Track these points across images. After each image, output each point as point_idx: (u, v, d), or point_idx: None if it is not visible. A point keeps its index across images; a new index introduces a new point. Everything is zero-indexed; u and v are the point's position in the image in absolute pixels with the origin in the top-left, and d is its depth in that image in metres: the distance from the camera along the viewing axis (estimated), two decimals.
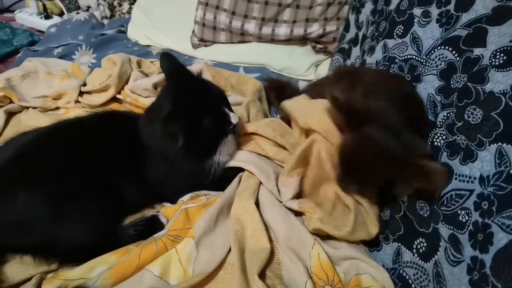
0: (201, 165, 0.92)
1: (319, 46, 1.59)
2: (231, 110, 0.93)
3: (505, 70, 0.69)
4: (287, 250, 0.83)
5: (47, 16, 1.97)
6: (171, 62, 0.93)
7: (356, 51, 1.32)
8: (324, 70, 1.53)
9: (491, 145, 0.66)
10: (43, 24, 1.93)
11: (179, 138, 0.84)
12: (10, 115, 1.23)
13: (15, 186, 0.78)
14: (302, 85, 1.50)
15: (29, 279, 0.77)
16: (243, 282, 0.72)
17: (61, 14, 2.07)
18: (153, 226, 0.89)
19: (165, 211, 0.93)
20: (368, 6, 1.29)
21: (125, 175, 0.90)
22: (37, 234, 0.78)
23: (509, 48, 0.70)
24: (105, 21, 1.96)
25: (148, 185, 0.93)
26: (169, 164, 0.91)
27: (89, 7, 2.04)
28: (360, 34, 1.31)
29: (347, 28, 1.44)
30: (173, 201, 0.97)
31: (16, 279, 0.76)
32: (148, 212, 0.93)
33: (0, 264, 0.78)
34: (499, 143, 0.64)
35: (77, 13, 2.05)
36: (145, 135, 0.91)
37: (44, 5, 1.95)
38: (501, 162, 0.63)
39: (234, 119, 0.91)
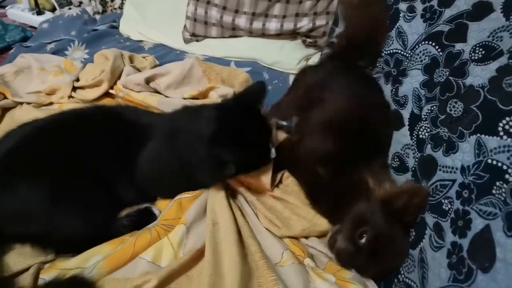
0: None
1: (309, 40, 1.60)
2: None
3: (483, 64, 0.72)
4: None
5: (39, 12, 1.96)
6: (258, 93, 0.93)
7: None
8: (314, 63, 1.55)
9: (471, 136, 0.69)
10: (35, 19, 1.92)
11: (227, 167, 0.80)
12: (4, 110, 1.25)
13: (16, 177, 0.81)
14: (292, 79, 1.52)
15: (27, 269, 0.78)
16: (212, 257, 0.77)
17: (53, 9, 2.06)
18: (147, 217, 0.91)
19: (159, 202, 0.96)
20: None
21: (121, 171, 0.92)
22: (35, 224, 0.81)
23: (487, 43, 0.73)
24: (97, 17, 1.95)
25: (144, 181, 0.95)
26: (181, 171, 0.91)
27: (81, 2, 2.04)
28: None
29: (336, 23, 1.46)
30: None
31: (15, 269, 0.78)
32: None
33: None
34: (478, 135, 0.68)
35: (69, 8, 2.05)
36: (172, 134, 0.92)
37: (36, 1, 1.94)
38: (480, 152, 0.67)
39: (273, 155, 0.90)
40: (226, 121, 0.85)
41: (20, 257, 0.80)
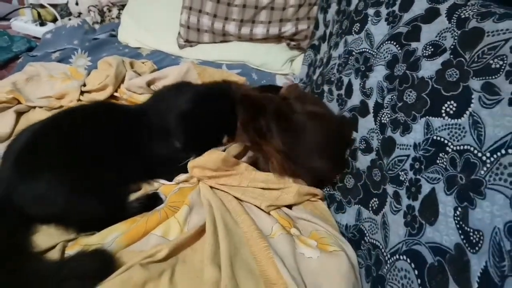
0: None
1: (293, 43, 1.74)
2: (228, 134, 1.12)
3: (432, 59, 0.85)
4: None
5: (42, 23, 2.08)
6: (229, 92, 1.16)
7: (324, 47, 1.47)
8: (298, 64, 1.69)
9: (421, 118, 0.83)
10: (38, 30, 2.04)
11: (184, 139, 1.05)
12: (19, 114, 1.35)
13: (37, 166, 0.92)
14: (279, 79, 1.67)
15: (54, 247, 0.89)
16: (211, 231, 0.90)
17: (54, 20, 2.18)
18: (155, 200, 1.04)
19: (164, 189, 1.09)
20: (334, 7, 1.44)
21: (127, 155, 1.05)
22: (57, 206, 0.91)
23: (435, 41, 0.86)
24: (96, 26, 2.07)
25: (146, 164, 1.09)
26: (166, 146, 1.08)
27: (80, 13, 2.15)
28: (328, 32, 1.47)
29: (316, 27, 1.59)
30: (169, 179, 1.13)
31: (44, 246, 0.88)
32: (149, 190, 1.09)
33: (30, 234, 0.90)
34: (427, 117, 0.81)
35: (69, 19, 2.16)
36: (152, 109, 1.12)
37: (38, 13, 2.06)
38: (428, 131, 0.80)
39: (224, 140, 1.11)
40: (191, 112, 1.07)
41: (47, 237, 0.91)
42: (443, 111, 0.78)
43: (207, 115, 1.07)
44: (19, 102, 1.40)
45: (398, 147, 0.88)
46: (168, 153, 1.09)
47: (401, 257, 0.78)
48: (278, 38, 1.75)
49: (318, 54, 1.54)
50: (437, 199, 0.73)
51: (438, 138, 0.78)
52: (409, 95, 0.89)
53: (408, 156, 0.85)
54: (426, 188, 0.77)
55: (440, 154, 0.76)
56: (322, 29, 1.55)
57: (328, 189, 1.13)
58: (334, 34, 1.38)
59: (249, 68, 1.72)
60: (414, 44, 0.93)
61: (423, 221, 0.75)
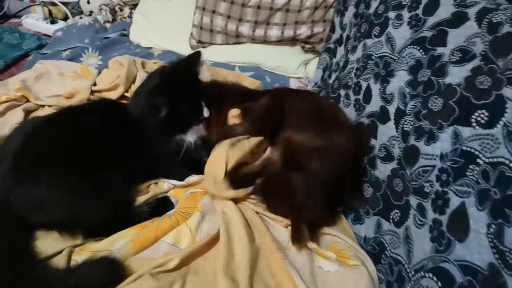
0: (172, 138, 1.07)
1: (307, 46, 1.71)
2: (208, 107, 1.09)
3: (460, 65, 0.81)
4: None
5: (53, 21, 2.07)
6: (194, 60, 1.13)
7: (341, 50, 1.44)
8: (313, 68, 1.65)
9: (449, 127, 0.79)
10: (49, 28, 2.04)
11: (161, 109, 1.00)
12: (27, 113, 1.33)
13: (37, 168, 0.87)
14: (292, 82, 1.64)
15: (60, 252, 0.85)
16: (226, 240, 0.86)
17: (65, 18, 2.18)
18: (165, 205, 1.00)
19: (175, 193, 1.05)
20: (351, 10, 1.41)
21: (130, 153, 1.01)
22: (59, 211, 0.87)
23: (463, 47, 0.83)
24: (108, 25, 2.06)
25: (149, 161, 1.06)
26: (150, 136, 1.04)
27: (91, 12, 2.15)
28: (344, 35, 1.43)
29: (332, 30, 1.56)
30: (176, 178, 1.10)
31: (49, 252, 0.85)
32: (158, 193, 1.05)
33: (33, 240, 0.87)
34: (455, 126, 0.77)
35: (80, 17, 2.16)
36: (131, 105, 1.09)
37: (50, 11, 2.06)
38: (456, 141, 0.76)
39: (205, 113, 1.08)
40: (163, 80, 1.06)
41: (52, 242, 0.88)
42: (473, 120, 0.74)
43: (176, 83, 1.06)
44: (28, 100, 1.38)
45: (422, 157, 0.84)
46: (172, 149, 1.06)
47: (427, 274, 0.74)
48: (293, 41, 1.72)
49: (334, 57, 1.50)
50: (468, 214, 0.69)
51: (468, 149, 0.74)
52: (434, 102, 0.85)
53: (434, 166, 0.80)
54: (454, 201, 0.72)
55: (471, 166, 0.72)
56: (338, 32, 1.51)
57: None
58: (351, 38, 1.34)
59: (262, 70, 1.68)
60: (440, 49, 0.89)
61: (452, 237, 0.71)
